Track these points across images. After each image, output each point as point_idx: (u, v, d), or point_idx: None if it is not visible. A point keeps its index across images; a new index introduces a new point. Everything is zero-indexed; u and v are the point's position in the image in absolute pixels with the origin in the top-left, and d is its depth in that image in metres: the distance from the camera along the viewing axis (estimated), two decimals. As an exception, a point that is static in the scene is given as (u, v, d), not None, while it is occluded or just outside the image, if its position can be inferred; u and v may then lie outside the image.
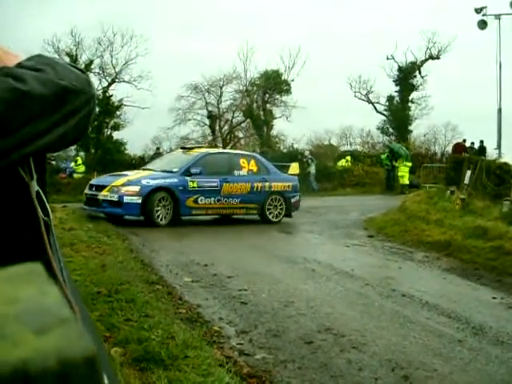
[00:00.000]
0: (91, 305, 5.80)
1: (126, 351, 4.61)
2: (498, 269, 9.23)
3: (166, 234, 12.62)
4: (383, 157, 28.39)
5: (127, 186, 13.51)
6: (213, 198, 14.13)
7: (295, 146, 36.53)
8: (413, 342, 5.51)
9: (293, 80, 36.99)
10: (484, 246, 10.21)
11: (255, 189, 14.82)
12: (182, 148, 16.80)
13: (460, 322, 6.28)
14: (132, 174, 14.45)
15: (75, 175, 26.30)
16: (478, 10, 27.12)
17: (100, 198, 13.60)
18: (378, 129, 38.95)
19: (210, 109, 36.92)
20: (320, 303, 6.87)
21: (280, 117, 37.50)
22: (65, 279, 1.15)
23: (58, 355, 0.33)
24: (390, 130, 37.91)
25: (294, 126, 45.23)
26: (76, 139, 1.38)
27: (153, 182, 13.58)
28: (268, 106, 37.25)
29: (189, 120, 37.10)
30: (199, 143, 35.92)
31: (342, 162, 30.75)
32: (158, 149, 30.89)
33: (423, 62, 37.26)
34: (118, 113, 31.65)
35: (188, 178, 13.88)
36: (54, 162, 26.88)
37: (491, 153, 27.56)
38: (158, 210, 13.39)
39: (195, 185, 13.91)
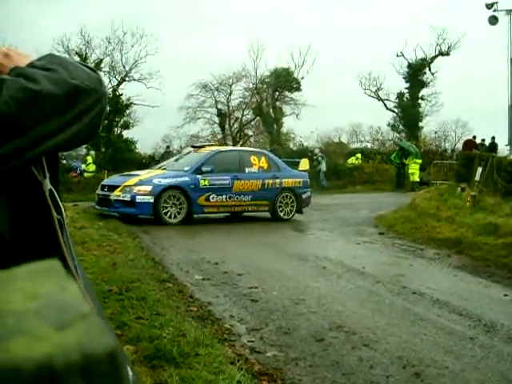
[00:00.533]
0: (102, 303, 5.82)
1: (138, 349, 4.62)
2: (510, 266, 9.19)
3: (176, 231, 12.65)
4: (394, 155, 28.33)
5: (139, 185, 13.58)
6: (224, 196, 14.21)
7: (305, 143, 36.53)
8: (424, 339, 5.49)
9: (303, 78, 37.00)
10: (495, 243, 10.16)
11: (266, 186, 14.85)
12: (192, 146, 16.87)
13: (471, 319, 6.26)
14: (143, 174, 14.49)
15: (86, 174, 26.40)
16: (489, 6, 26.94)
17: (112, 198, 13.66)
18: (388, 125, 38.89)
19: (219, 107, 36.94)
20: (331, 301, 6.87)
21: (290, 114, 37.50)
22: (80, 276, 1.15)
23: (81, 350, 0.33)
24: (400, 127, 37.82)
25: (304, 124, 45.27)
26: (88, 138, 1.39)
27: (164, 181, 13.65)
28: (278, 103, 37.23)
29: (198, 118, 37.13)
30: (209, 141, 36.00)
31: (352, 160, 30.73)
32: (168, 147, 30.95)
33: (433, 58, 37.12)
34: (127, 111, 31.74)
35: (199, 177, 13.95)
36: (64, 161, 26.98)
37: (502, 149, 27.41)
38: (168, 209, 13.51)
39: (206, 183, 13.98)
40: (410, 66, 36.88)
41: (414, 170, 27.63)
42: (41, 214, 1.24)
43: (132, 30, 32.60)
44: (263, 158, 15.45)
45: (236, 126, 37.75)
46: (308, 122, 46.50)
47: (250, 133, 38.81)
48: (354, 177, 29.22)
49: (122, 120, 31.16)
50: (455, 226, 12.04)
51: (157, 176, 13.99)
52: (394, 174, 28.73)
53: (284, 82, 36.29)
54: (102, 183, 14.80)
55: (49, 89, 1.21)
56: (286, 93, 37.17)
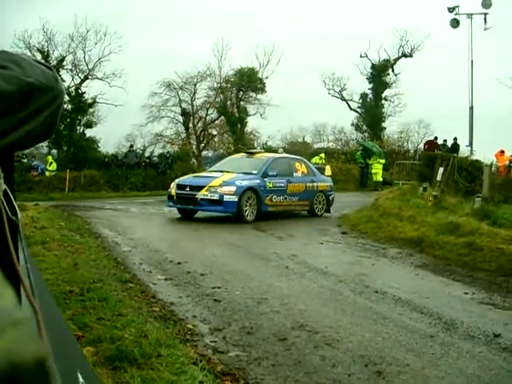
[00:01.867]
0: (63, 304, 5.74)
1: (99, 350, 4.57)
2: (470, 264, 9.35)
3: (138, 232, 12.55)
4: (358, 154, 28.57)
5: (224, 186, 14.81)
6: (281, 197, 15.91)
7: (269, 143, 36.66)
8: (386, 337, 5.55)
9: (267, 77, 37.08)
10: (456, 242, 10.33)
11: (307, 188, 16.71)
12: (246, 152, 18.09)
13: (432, 317, 6.35)
14: (221, 176, 15.45)
15: (47, 173, 26.04)
16: (451, 9, 27.39)
17: (199, 197, 14.76)
18: (351, 125, 39.23)
19: (183, 106, 36.83)
20: (294, 300, 6.89)
21: (254, 114, 37.57)
22: (31, 280, 1.13)
23: (7, 358, 0.32)
24: (364, 127, 38.17)
25: (269, 124, 45.37)
26: (44, 136, 1.36)
27: (244, 183, 15.10)
28: (242, 103, 37.24)
29: (162, 117, 36.98)
30: (173, 140, 35.79)
31: (315, 159, 30.84)
32: (131, 146, 30.70)
33: (396, 59, 37.59)
34: (90, 110, 31.39)
35: (266, 179, 15.59)
36: (25, 160, 26.57)
37: (464, 150, 27.88)
38: (247, 207, 14.90)
39: (271, 185, 15.66)
40: (373, 66, 37.30)
41: (377, 170, 27.95)
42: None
43: (95, 27, 32.30)
44: (303, 165, 17.39)
45: (200, 125, 37.67)
46: (272, 122, 46.82)
47: (214, 132, 38.76)
48: (318, 176, 29.36)
49: (84, 118, 30.82)
50: (417, 225, 12.20)
51: (236, 178, 15.21)
52: (358, 174, 28.99)
53: (248, 81, 36.33)
54: (180, 183, 15.59)
55: (1, 86, 1.19)
56: (251, 93, 37.21)
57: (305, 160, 18.50)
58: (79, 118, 30.32)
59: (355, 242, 11.93)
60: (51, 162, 26.49)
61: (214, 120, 38.03)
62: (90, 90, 31.77)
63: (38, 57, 30.06)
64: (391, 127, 38.69)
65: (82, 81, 32.19)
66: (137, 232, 12.57)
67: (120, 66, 34.21)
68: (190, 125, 37.08)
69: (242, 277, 8.09)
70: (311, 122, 48.09)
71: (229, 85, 36.89)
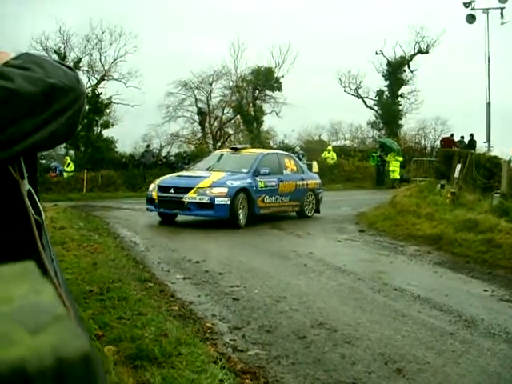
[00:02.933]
0: (83, 303, 5.79)
1: (119, 349, 4.60)
2: (489, 261, 9.28)
3: (156, 232, 12.62)
4: (373, 156, 28.41)
5: (215, 187, 13.37)
6: (273, 197, 14.64)
7: (286, 141, 36.62)
8: (405, 335, 5.53)
9: (283, 76, 37.06)
10: (475, 239, 10.26)
11: (298, 187, 15.48)
12: (231, 148, 16.72)
13: (452, 315, 6.31)
14: (208, 176, 13.98)
15: (65, 174, 26.23)
16: (467, 4, 27.17)
17: (186, 200, 13.25)
18: (368, 123, 39.10)
19: (199, 105, 36.90)
20: (312, 298, 6.88)
21: (270, 113, 37.60)
22: (58, 278, 1.14)
23: (55, 354, 0.32)
24: (380, 124, 38.03)
25: (285, 122, 45.25)
26: (66, 137, 1.37)
27: (236, 183, 13.67)
28: (258, 102, 37.28)
29: (178, 117, 37.11)
30: (189, 140, 35.89)
31: (325, 154, 30.74)
32: (148, 146, 30.81)
33: (412, 56, 37.39)
34: (107, 111, 31.57)
35: (257, 178, 14.23)
36: (43, 161, 26.78)
37: (481, 146, 27.65)
38: (240, 211, 13.51)
39: (263, 185, 14.32)
40: (389, 64, 37.13)
41: (394, 168, 27.81)
42: (18, 214, 1.22)
43: (110, 28, 32.50)
44: (292, 161, 16.18)
45: (216, 124, 37.73)
46: (288, 120, 46.65)
47: (230, 131, 38.82)
48: (334, 174, 29.29)
49: (101, 119, 30.99)
50: (435, 222, 12.13)
51: (226, 178, 13.79)
52: (375, 172, 28.87)
53: (264, 80, 36.34)
54: (163, 184, 13.98)
55: (25, 87, 1.20)
56: (267, 91, 37.22)
57: (293, 156, 17.34)
58: (96, 118, 30.49)
59: (373, 239, 11.89)
60: (69, 163, 26.67)
61: (230, 119, 38.10)
62: (107, 90, 32.01)
63: (55, 59, 30.28)
64: (408, 124, 38.56)
65: (99, 82, 32.42)
66: (154, 232, 12.63)
67: (136, 66, 34.44)
68: (206, 124, 37.16)
69: (261, 275, 8.09)
70: (327, 120, 48.08)
71: (245, 84, 36.94)
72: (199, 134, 37.33)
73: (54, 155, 28.29)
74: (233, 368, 4.51)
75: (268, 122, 38.05)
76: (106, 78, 32.71)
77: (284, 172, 15.35)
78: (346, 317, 6.12)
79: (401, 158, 28.05)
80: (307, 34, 53.93)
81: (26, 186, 1.26)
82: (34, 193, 1.28)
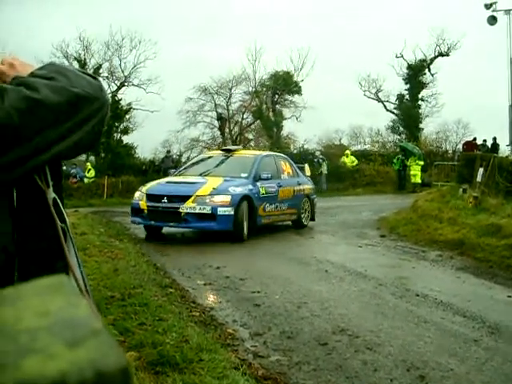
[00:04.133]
0: (105, 309, 5.82)
1: (141, 355, 4.62)
2: (513, 267, 9.19)
3: (176, 238, 12.67)
4: (395, 161, 28.29)
5: (216, 195, 11.86)
6: (273, 205, 13.42)
7: (306, 146, 36.58)
8: (428, 341, 5.49)
9: (302, 80, 37.03)
10: (498, 244, 10.16)
11: (295, 193, 14.45)
12: (222, 150, 15.38)
13: (475, 321, 6.26)
14: (206, 182, 12.51)
15: (86, 180, 26.45)
16: (488, 6, 26.96)
17: (183, 210, 11.69)
18: (387, 129, 38.94)
19: (219, 111, 36.98)
20: (334, 304, 6.87)
21: (290, 117, 37.58)
22: (86, 285, 1.16)
23: (94, 367, 0.33)
24: (401, 128, 37.83)
25: (305, 127, 45.31)
26: (91, 145, 1.39)
27: (238, 190, 12.23)
28: (278, 106, 37.29)
29: (198, 122, 37.22)
30: (209, 145, 35.99)
31: (343, 159, 30.65)
32: (168, 152, 30.97)
33: (432, 59, 37.14)
34: (127, 116, 31.78)
35: (258, 184, 12.96)
36: (64, 167, 27.00)
37: (504, 150, 27.42)
38: (244, 222, 12.15)
39: (264, 191, 13.04)
40: (409, 67, 36.91)
41: (415, 172, 27.64)
42: (45, 223, 1.24)
43: (130, 34, 32.74)
44: (288, 164, 15.11)
45: (236, 129, 37.80)
46: (308, 125, 46.47)
47: (250, 136, 38.87)
48: (355, 179, 29.23)
49: (121, 125, 31.20)
50: (457, 227, 12.03)
51: (227, 184, 12.33)
52: (396, 176, 28.74)
53: (283, 84, 36.35)
54: (152, 192, 12.35)
55: (50, 97, 1.22)
56: (286, 96, 37.24)
57: (288, 158, 15.87)
58: (116, 124, 30.69)
59: (394, 244, 11.83)
60: (89, 169, 26.88)
61: (250, 124, 38.16)
62: (127, 96, 32.23)
63: (76, 65, 30.59)
64: (428, 128, 38.34)
65: (119, 88, 32.65)
66: (175, 237, 12.69)
67: (155, 72, 34.67)
68: (226, 129, 37.24)
69: (282, 281, 8.09)
70: (347, 124, 47.91)
71: (264, 88, 36.98)
72: (219, 140, 37.40)
73: (75, 161, 28.52)
74: (254, 374, 4.51)
75: (288, 127, 38.06)
76: (125, 84, 32.95)
77: (282, 176, 14.27)
78: (368, 323, 6.10)
79: (422, 163, 27.87)
80: (326, 37, 53.92)
81: (51, 194, 1.28)
82: (59, 201, 1.30)
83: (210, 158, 14.92)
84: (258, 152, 15.84)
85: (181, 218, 11.72)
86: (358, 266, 9.27)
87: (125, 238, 11.99)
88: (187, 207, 11.67)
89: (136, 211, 12.37)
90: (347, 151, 31.59)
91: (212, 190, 11.97)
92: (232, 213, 11.75)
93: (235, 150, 14.78)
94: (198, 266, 9.15)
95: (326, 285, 7.97)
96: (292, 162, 15.66)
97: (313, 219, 15.14)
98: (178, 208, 11.70)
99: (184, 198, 11.79)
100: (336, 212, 17.84)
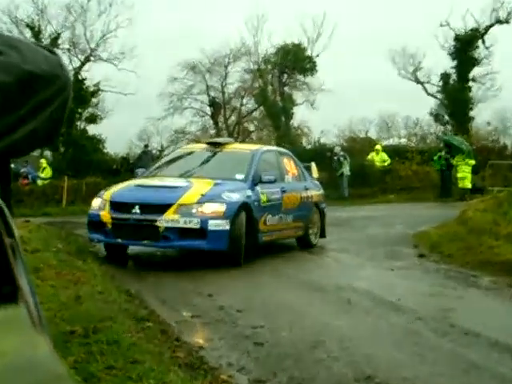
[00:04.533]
0: (63, 348, 5.82)
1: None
2: None
3: (156, 255, 12.67)
4: (435, 159, 28.17)
5: (207, 203, 11.31)
6: (276, 216, 12.98)
7: (322, 140, 36.56)
8: (479, 393, 5.49)
9: (318, 55, 37.07)
10: None
11: (302, 201, 14.08)
12: (208, 143, 14.83)
13: (540, 366, 6.25)
14: (190, 185, 11.98)
15: (39, 181, 26.43)
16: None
17: (162, 224, 11.08)
18: (430, 115, 38.88)
19: (212, 94, 37.00)
20: (357, 343, 6.87)
21: (302, 103, 37.61)
22: (41, 317, 1.16)
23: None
24: (445, 117, 37.80)
25: (321, 115, 45.22)
26: (49, 137, 1.39)
27: (235, 197, 11.68)
28: (287, 89, 37.34)
29: (185, 109, 37.30)
30: (198, 138, 35.94)
31: (371, 156, 30.47)
32: (146, 146, 30.80)
33: (487, 28, 37.08)
34: (93, 100, 31.81)
35: (258, 189, 12.44)
36: (12, 165, 27.02)
37: None
38: (243, 239, 11.57)
39: (265, 198, 12.54)
40: (457, 38, 36.88)
41: (464, 174, 27.55)
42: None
43: (98, -6, 32.77)
44: (292, 162, 14.76)
45: (233, 118, 37.81)
46: (326, 113, 46.57)
47: (252, 127, 38.89)
48: (385, 183, 29.16)
49: (86, 112, 31.22)
50: (518, 245, 12.03)
51: (219, 188, 11.79)
52: (439, 179, 28.70)
53: (294, 61, 36.33)
54: (119, 200, 11.74)
55: (-4, 77, 1.22)
56: (297, 75, 37.21)
57: (291, 155, 15.43)
58: (79, 110, 30.69)
59: (436, 267, 11.83)
60: (44, 168, 26.91)
61: (252, 111, 38.23)
62: (93, 74, 32.24)
63: (28, 35, 30.63)
64: (482, 116, 38.26)
65: (83, 63, 32.69)
66: (153, 255, 12.69)
67: (130, 43, 34.66)
68: (221, 118, 37.24)
69: (291, 313, 8.09)
70: (376, 112, 47.96)
71: (269, 66, 37.02)
72: (212, 131, 37.42)
73: (27, 158, 28.53)
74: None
75: (300, 116, 38.05)
76: (92, 58, 32.98)
77: (285, 178, 13.92)
78: (402, 368, 6.09)
79: (473, 162, 27.81)
80: (348, 1, 53.95)
81: (-3, 200, 1.28)
82: (5, 209, 1.30)
83: (191, 153, 14.54)
84: (254, 146, 15.53)
85: (159, 234, 11.12)
86: (388, 294, 9.26)
87: (89, 256, 11.99)
88: (167, 220, 11.10)
89: (96, 225, 11.85)
90: (378, 146, 31.41)
91: (200, 196, 11.39)
92: (227, 227, 11.18)
93: (225, 144, 14.34)
94: (184, 293, 9.16)
95: (348, 318, 7.97)
96: (297, 160, 15.33)
97: (323, 235, 14.85)
98: (155, 221, 11.09)
99: (163, 208, 11.21)
100: (361, 224, 17.83)
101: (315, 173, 16.15)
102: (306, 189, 14.46)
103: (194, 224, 11.04)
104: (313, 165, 16.29)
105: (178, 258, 12.62)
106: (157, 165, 14.65)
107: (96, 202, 12.08)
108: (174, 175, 12.84)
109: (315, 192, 14.90)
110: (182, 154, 14.80)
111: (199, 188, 11.69)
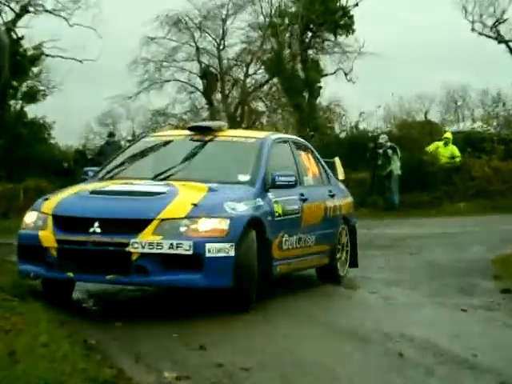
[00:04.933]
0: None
1: None
2: None
3: (125, 289, 12.68)
4: None
5: (201, 218, 10.52)
6: (295, 237, 12.41)
7: (362, 125, 36.39)
8: None
9: (356, 5, 36.92)
10: None
11: (327, 214, 13.70)
12: (191, 129, 13.92)
13: None
14: (175, 191, 11.14)
15: (-42, 185, 26.55)
16: None
17: (136, 250, 10.18)
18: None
19: (204, 61, 36.92)
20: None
21: (334, 73, 37.48)
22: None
23: None
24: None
25: (360, 90, 45.28)
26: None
27: (241, 208, 10.96)
28: (311, 52, 37.23)
29: (166, 81, 37.18)
30: (185, 122, 35.66)
31: (435, 147, 30.24)
32: (110, 135, 30.71)
33: None
34: (34, 70, 31.83)
35: (271, 196, 11.83)
36: None
37: None
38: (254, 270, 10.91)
39: (280, 210, 11.92)
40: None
41: None
42: None
43: None
44: (311, 157, 14.35)
45: (235, 94, 37.76)
46: (367, 87, 46.55)
47: (261, 107, 38.79)
48: (452, 185, 29.07)
49: (23, 86, 31.25)
50: None
51: (218, 195, 11.16)
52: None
53: (322, 12, 36.23)
54: (68, 214, 10.82)
55: None
56: (326, 33, 37.14)
57: (310, 146, 14.94)
58: (14, 84, 30.67)
59: (527, 307, 11.83)
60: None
61: (262, 85, 38.09)
62: (33, 32, 32.20)
63: None
64: None
65: (18, 16, 32.57)
66: (122, 290, 12.68)
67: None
68: (217, 95, 37.20)
69: (318, 373, 8.07)
70: (439, 84, 47.92)
71: (286, 19, 36.92)
72: (204, 113, 37.36)
73: None
74: None
75: (330, 91, 37.96)
76: (30, 8, 32.94)
77: (305, 180, 13.53)
78: None
79: None
80: None
81: None
82: None
83: (168, 143, 13.80)
84: (260, 134, 15.17)
85: (130, 264, 10.24)
86: (459, 346, 9.24)
87: (28, 292, 11.97)
88: (144, 243, 10.15)
89: (31, 252, 10.99)
90: (448, 134, 31.16)
91: (191, 207, 10.54)
92: (232, 253, 10.36)
93: (218, 130, 13.46)
94: (165, 343, 9.14)
95: (401, 380, 7.94)
96: (318, 155, 14.90)
97: (355, 264, 14.60)
98: (126, 245, 10.18)
99: (136, 225, 10.35)
100: (418, 246, 17.87)
101: (341, 173, 15.75)
102: (332, 195, 14.10)
103: (185, 249, 10.15)
104: (337, 161, 15.95)
105: (158, 294, 12.62)
106: (117, 160, 13.61)
107: (30, 218, 11.22)
108: (147, 176, 12.15)
109: (343, 201, 14.62)
110: (154, 145, 13.91)
111: (188, 196, 10.90)
